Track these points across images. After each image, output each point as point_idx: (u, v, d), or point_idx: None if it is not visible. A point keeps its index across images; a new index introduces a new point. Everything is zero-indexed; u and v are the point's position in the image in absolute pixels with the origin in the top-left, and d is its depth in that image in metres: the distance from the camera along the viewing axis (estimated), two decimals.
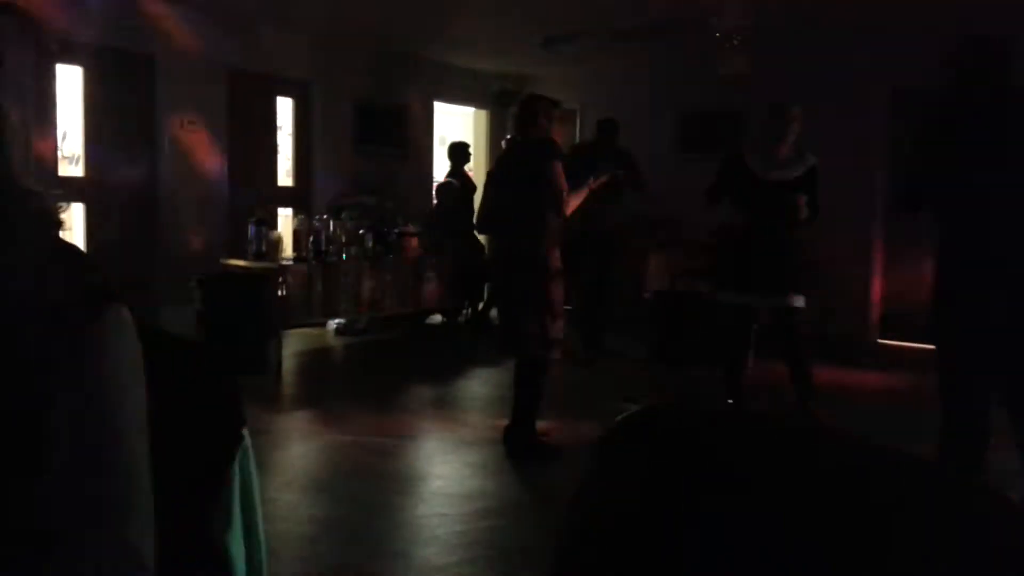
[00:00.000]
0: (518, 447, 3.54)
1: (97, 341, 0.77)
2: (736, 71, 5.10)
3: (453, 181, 6.83)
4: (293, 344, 5.87)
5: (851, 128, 6.26)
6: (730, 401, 3.89)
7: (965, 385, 2.45)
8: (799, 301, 3.74)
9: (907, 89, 6.11)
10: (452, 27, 6.45)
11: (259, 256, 5.24)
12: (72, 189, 5.43)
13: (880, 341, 6.32)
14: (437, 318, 6.95)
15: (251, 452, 1.05)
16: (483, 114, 8.67)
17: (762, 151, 3.82)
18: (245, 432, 1.03)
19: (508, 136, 6.85)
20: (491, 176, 3.71)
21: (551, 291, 3.41)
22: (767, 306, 3.78)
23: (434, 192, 7.17)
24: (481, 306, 6.67)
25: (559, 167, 3.37)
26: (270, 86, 6.64)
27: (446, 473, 3.36)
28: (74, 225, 5.52)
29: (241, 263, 5.31)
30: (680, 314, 5.53)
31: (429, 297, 6.18)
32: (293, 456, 3.60)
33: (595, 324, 5.68)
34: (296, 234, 5.49)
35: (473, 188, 7.03)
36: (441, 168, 8.10)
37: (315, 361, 5.74)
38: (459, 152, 7.07)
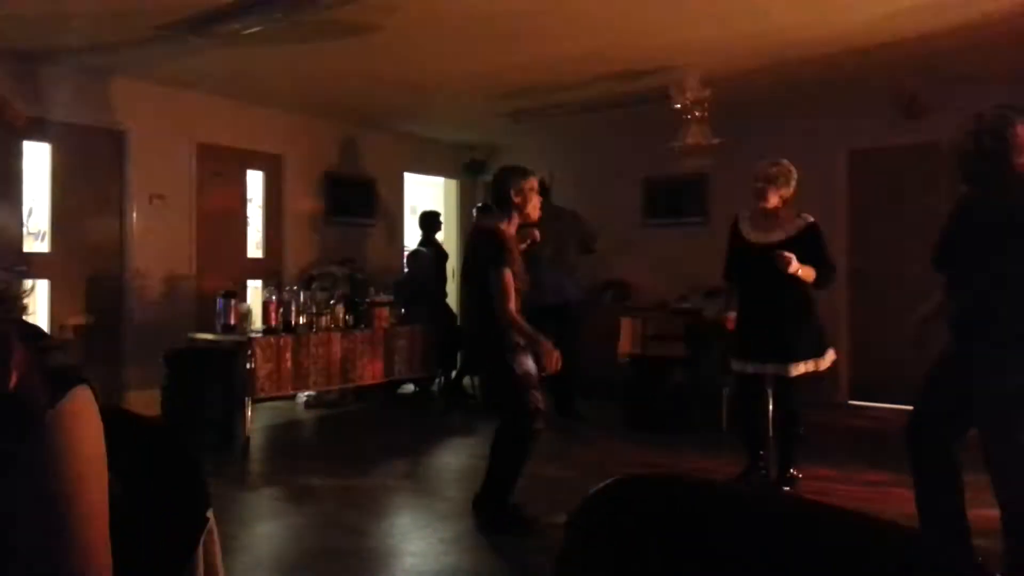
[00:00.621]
0: (491, 519, 3.47)
1: (59, 425, 0.76)
2: (696, 141, 5.24)
3: (423, 250, 6.87)
4: (262, 418, 5.78)
5: (814, 191, 6.47)
6: (755, 470, 3.84)
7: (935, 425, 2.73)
8: (796, 369, 3.66)
9: (864, 150, 6.36)
10: (420, 102, 6.59)
11: (227, 329, 5.20)
12: (37, 266, 5.36)
13: (850, 403, 6.38)
14: (410, 387, 6.90)
15: (216, 534, 1.02)
16: (453, 183, 8.78)
17: (751, 215, 3.84)
18: (210, 514, 1.01)
19: (479, 204, 7.01)
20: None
21: (517, 366, 3.38)
22: (769, 372, 3.73)
23: (405, 261, 7.20)
24: (455, 374, 6.64)
25: (502, 273, 3.30)
26: (240, 159, 6.69)
27: (420, 550, 3.28)
28: (38, 303, 5.43)
29: (209, 337, 5.27)
30: (652, 380, 5.55)
31: (401, 367, 6.14)
32: (260, 536, 3.49)
33: (564, 393, 5.66)
34: (265, 306, 5.45)
35: (445, 256, 7.08)
36: (412, 237, 8.18)
37: (284, 435, 5.66)
38: (430, 221, 7.14)
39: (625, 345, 6.02)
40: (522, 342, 3.37)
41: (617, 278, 7.41)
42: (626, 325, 6.08)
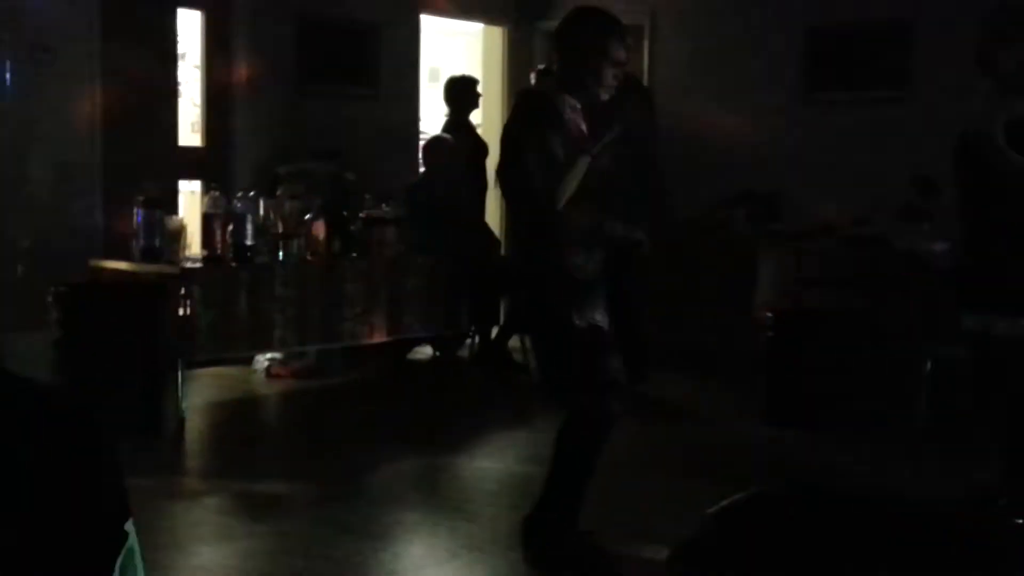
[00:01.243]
0: (549, 550, 3.52)
1: None
2: None
3: (449, 137, 6.85)
4: (203, 391, 5.88)
5: None
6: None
7: None
8: None
9: None
10: None
11: (150, 256, 5.27)
12: None
13: None
14: (427, 351, 6.95)
15: (139, 558, 1.04)
16: (497, 33, 8.69)
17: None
18: (129, 528, 1.02)
19: (541, 68, 6.89)
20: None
21: (578, 316, 3.43)
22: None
23: (421, 154, 7.19)
24: (496, 332, 6.69)
25: (544, 139, 3.36)
26: None
27: None
28: None
29: (123, 266, 5.36)
30: (810, 347, 5.54)
31: (414, 319, 6.17)
32: (201, 564, 3.58)
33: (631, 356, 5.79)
34: (207, 222, 5.51)
35: (484, 149, 7.05)
36: (434, 118, 8.10)
37: (236, 418, 5.75)
38: (462, 93, 7.09)
39: (766, 294, 5.98)
40: (581, 261, 3.44)
41: (754, 187, 7.32)
42: (769, 263, 6.05)
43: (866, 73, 7.13)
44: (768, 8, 7.49)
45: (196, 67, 7.17)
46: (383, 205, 6.31)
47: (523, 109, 3.65)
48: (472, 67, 8.47)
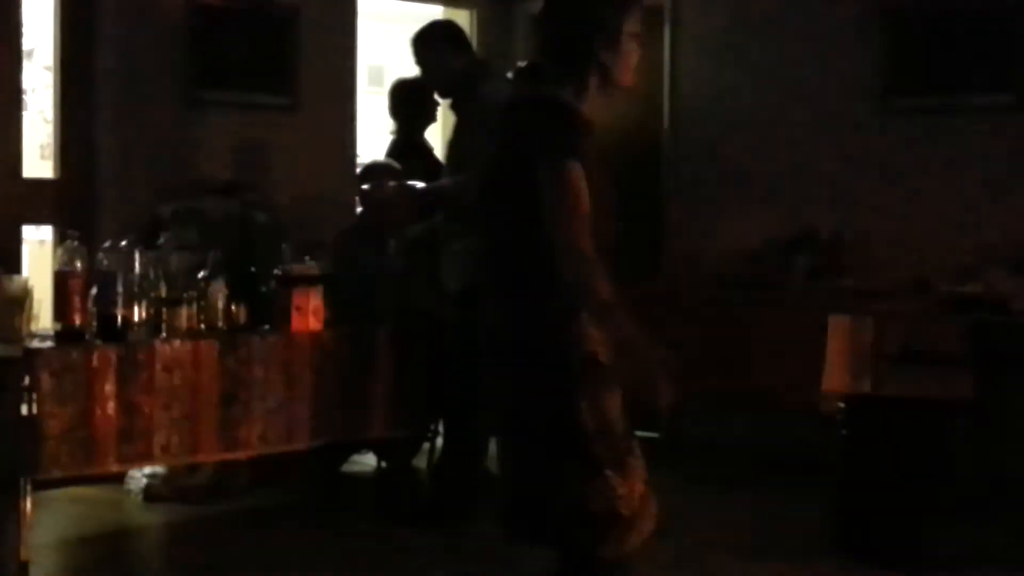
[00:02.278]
0: None
1: None
2: None
3: (394, 164, 6.82)
4: (56, 522, 5.83)
5: None
6: None
7: None
8: None
9: None
10: None
11: None
12: None
13: None
14: (369, 461, 6.92)
15: None
16: (461, 18, 8.74)
17: None
18: None
19: (522, 65, 6.85)
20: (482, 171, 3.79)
21: (589, 409, 3.42)
22: None
23: (359, 186, 7.13)
24: (456, 431, 6.57)
25: (568, 173, 3.38)
26: None
27: None
28: None
29: None
30: (898, 447, 5.53)
31: (351, 415, 6.12)
32: None
33: None
34: (62, 283, 5.40)
35: (439, 173, 6.99)
36: (376, 135, 8.06)
37: (102, 560, 5.67)
38: (412, 101, 7.16)
39: (837, 374, 5.96)
40: (606, 341, 3.44)
41: (817, 227, 7.36)
42: (839, 331, 6.03)
43: (966, 71, 7.15)
44: None
45: (47, 68, 7.11)
46: (306, 258, 6.20)
47: (542, 128, 3.52)
48: None
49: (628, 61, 3.60)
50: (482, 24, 8.78)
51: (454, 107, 6.11)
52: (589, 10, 3.57)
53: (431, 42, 6.01)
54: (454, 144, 6.19)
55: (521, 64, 6.52)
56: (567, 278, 3.35)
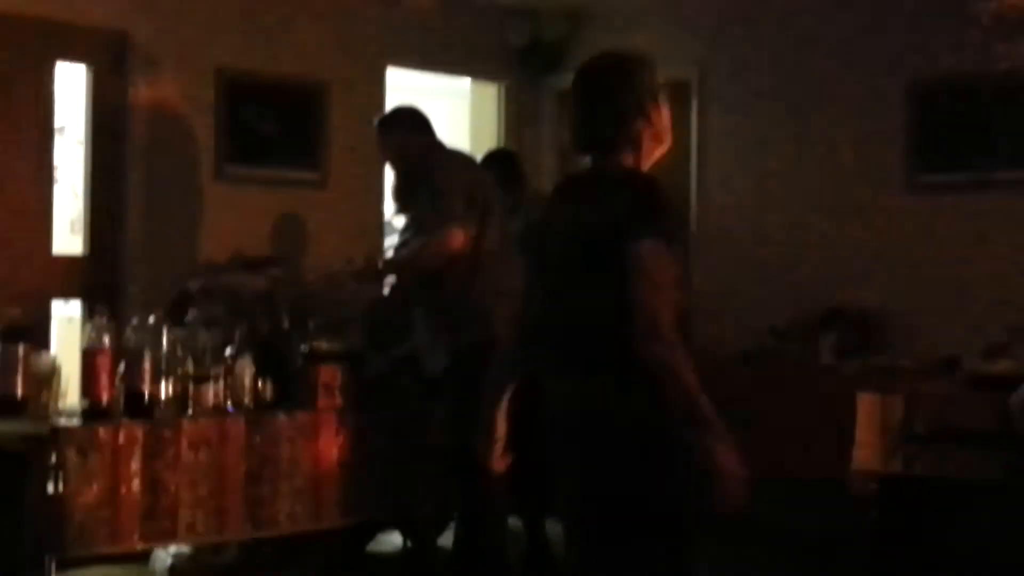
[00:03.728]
0: None
1: None
2: None
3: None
4: None
5: None
6: None
7: None
8: None
9: None
10: None
11: (8, 409, 5.20)
12: None
13: None
14: (395, 540, 6.89)
15: None
16: (491, 92, 8.88)
17: None
18: None
19: (490, 151, 7.00)
20: (530, 250, 3.86)
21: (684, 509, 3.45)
22: None
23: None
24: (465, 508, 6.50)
25: (662, 255, 3.38)
26: (40, 38, 6.72)
27: None
28: None
29: None
30: (932, 529, 5.55)
31: (379, 494, 6.10)
32: None
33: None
34: (90, 360, 5.38)
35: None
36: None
37: None
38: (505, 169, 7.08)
39: (867, 454, 5.91)
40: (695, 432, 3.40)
41: (844, 304, 7.35)
42: (871, 407, 5.99)
43: (992, 146, 7.14)
44: (856, 55, 7.57)
45: (79, 143, 7.14)
46: (334, 334, 6.22)
47: (639, 204, 3.50)
48: (458, 136, 8.58)
49: (665, 122, 3.65)
50: (509, 97, 8.85)
51: (408, 178, 6.17)
52: (632, 71, 3.64)
53: (395, 127, 6.09)
54: (413, 210, 6.22)
55: (491, 149, 6.71)
56: (642, 358, 3.32)
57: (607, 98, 3.62)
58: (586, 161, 3.69)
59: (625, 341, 3.32)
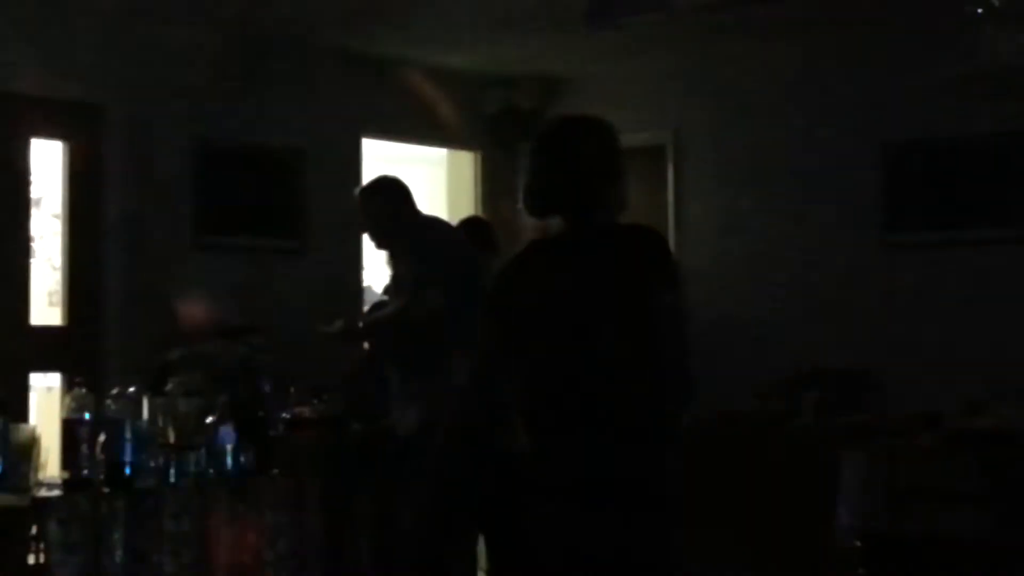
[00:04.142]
0: None
1: None
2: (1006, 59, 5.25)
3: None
4: None
5: None
6: None
7: None
8: None
9: None
10: None
11: None
12: None
13: None
14: None
15: None
16: (467, 159, 8.96)
17: None
18: None
19: (465, 219, 7.10)
20: (506, 311, 3.76)
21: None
22: None
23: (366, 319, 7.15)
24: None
25: (677, 302, 3.46)
26: (19, 113, 6.78)
27: None
28: None
29: None
30: None
31: (369, 560, 6.04)
32: None
33: None
34: (69, 430, 5.36)
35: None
36: (382, 273, 8.11)
37: None
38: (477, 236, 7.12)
39: (852, 513, 5.96)
40: None
41: (825, 363, 7.35)
42: (852, 469, 6.03)
43: (967, 204, 7.23)
44: (829, 117, 7.66)
45: (55, 216, 7.15)
46: (314, 401, 6.22)
47: (656, 257, 3.54)
48: (435, 203, 8.65)
49: (624, 182, 3.67)
50: (485, 165, 8.89)
51: (386, 245, 6.27)
52: (598, 133, 3.64)
53: (376, 196, 6.19)
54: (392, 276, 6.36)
55: (465, 218, 6.77)
56: (681, 407, 3.41)
57: (575, 158, 3.60)
58: (554, 223, 3.66)
59: (656, 400, 3.36)
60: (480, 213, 8.73)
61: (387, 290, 6.28)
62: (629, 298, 3.42)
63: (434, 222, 6.37)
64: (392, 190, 6.22)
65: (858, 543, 5.67)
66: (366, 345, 7.07)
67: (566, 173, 3.62)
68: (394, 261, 6.12)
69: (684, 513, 3.45)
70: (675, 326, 3.36)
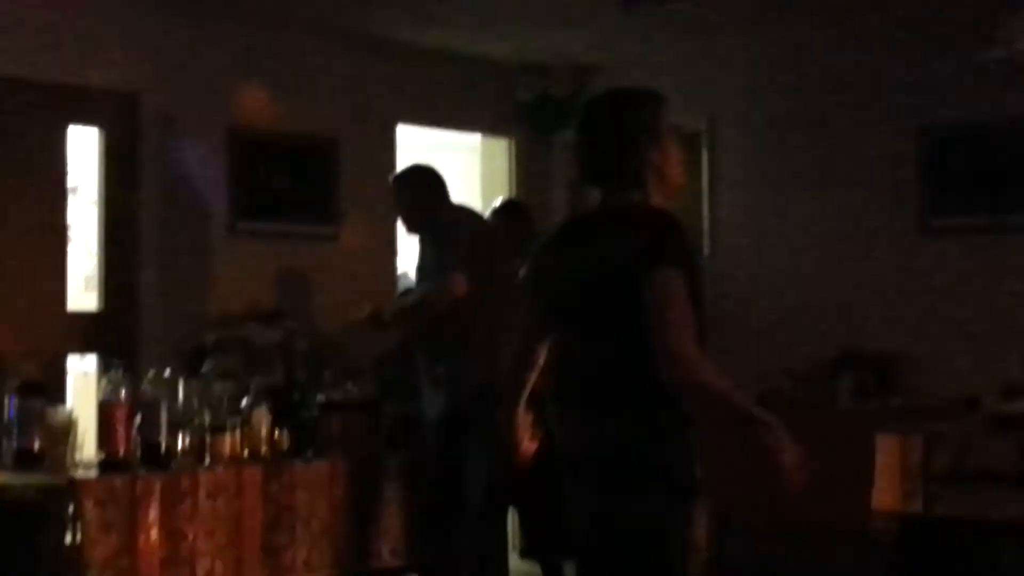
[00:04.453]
0: None
1: None
2: None
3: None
4: None
5: None
6: None
7: None
8: None
9: None
10: None
11: (26, 462, 5.19)
12: None
13: None
14: None
15: None
16: (501, 146, 8.93)
17: None
18: None
19: (497, 203, 7.16)
20: (537, 287, 3.79)
21: (695, 532, 3.45)
22: None
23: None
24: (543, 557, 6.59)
25: (671, 275, 3.37)
26: (52, 101, 6.78)
27: None
28: None
29: None
30: (953, 570, 5.57)
31: (397, 543, 6.06)
32: None
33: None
34: (106, 413, 5.38)
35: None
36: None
37: None
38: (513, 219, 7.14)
39: (886, 495, 5.86)
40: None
41: (862, 347, 7.32)
42: (891, 448, 5.95)
43: (1005, 189, 7.16)
44: (867, 101, 7.62)
45: (92, 203, 7.19)
46: (348, 384, 6.22)
47: (652, 238, 3.48)
48: (469, 191, 8.64)
49: (675, 158, 3.64)
50: (520, 152, 8.87)
51: (418, 231, 6.28)
52: (631, 114, 3.62)
53: (410, 184, 6.20)
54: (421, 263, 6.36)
55: (501, 200, 6.76)
56: (672, 383, 3.30)
57: (612, 130, 3.62)
58: (594, 196, 3.69)
59: (648, 377, 3.30)
60: (513, 197, 8.70)
61: (417, 277, 6.28)
62: (621, 277, 3.40)
63: (463, 210, 6.37)
64: (425, 178, 6.23)
65: (894, 526, 5.62)
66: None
67: (593, 143, 3.66)
68: (423, 247, 6.12)
69: (694, 488, 3.43)
70: (659, 300, 3.30)
